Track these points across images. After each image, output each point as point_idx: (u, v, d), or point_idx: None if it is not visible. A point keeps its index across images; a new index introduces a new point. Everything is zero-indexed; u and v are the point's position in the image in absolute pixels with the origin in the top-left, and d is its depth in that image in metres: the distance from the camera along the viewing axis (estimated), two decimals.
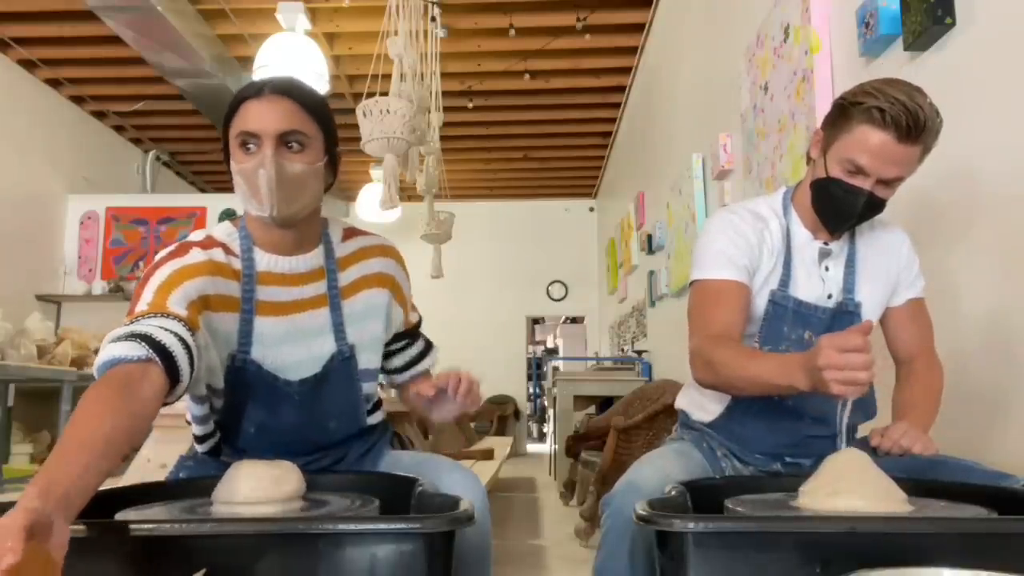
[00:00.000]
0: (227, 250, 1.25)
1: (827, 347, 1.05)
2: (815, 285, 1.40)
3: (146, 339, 1.02)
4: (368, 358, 1.34)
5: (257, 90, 1.19)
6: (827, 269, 1.41)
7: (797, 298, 1.39)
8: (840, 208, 1.33)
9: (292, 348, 1.26)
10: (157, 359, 1.01)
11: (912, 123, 1.21)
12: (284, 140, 1.18)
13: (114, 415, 0.90)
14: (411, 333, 1.48)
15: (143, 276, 1.18)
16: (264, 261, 1.27)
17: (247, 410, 1.25)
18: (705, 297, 1.40)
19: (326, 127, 1.25)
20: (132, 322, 1.07)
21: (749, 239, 1.39)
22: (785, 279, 1.40)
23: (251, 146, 1.18)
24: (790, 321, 1.39)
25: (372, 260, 1.36)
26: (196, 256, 1.19)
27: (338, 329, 1.30)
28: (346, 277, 1.33)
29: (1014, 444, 1.49)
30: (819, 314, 1.39)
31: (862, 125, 1.25)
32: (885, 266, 1.44)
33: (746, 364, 1.25)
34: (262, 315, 1.25)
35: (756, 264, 1.39)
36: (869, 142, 1.25)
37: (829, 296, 1.41)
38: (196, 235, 1.27)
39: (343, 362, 1.30)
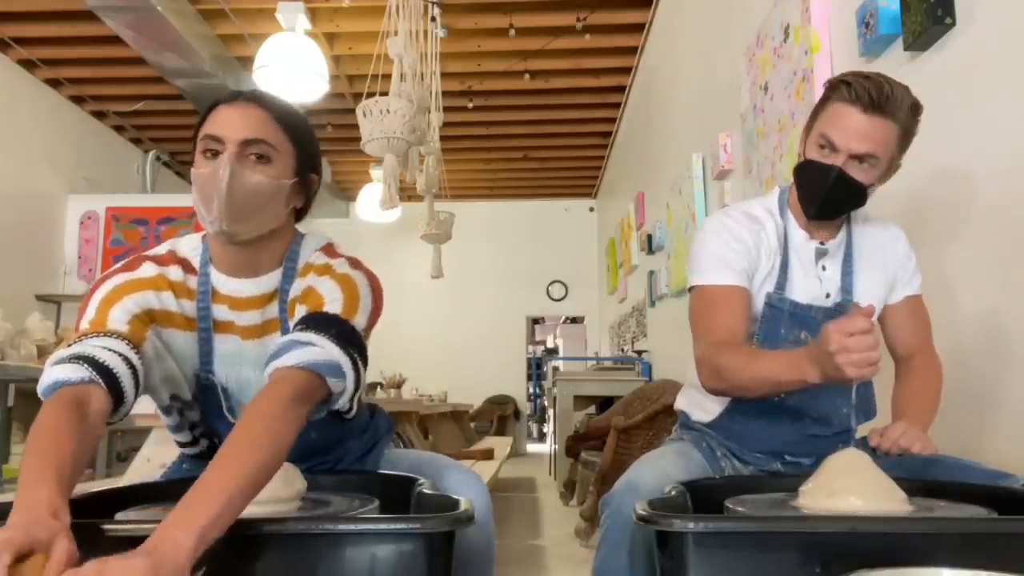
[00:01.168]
0: (186, 267, 1.20)
1: (835, 332, 1.04)
2: (812, 285, 1.40)
3: (88, 360, 1.01)
4: None
5: (230, 97, 1.14)
6: (824, 268, 1.41)
7: (793, 300, 1.39)
8: (813, 187, 1.33)
9: (250, 371, 1.19)
10: (100, 380, 1.00)
11: (876, 94, 1.24)
12: (248, 150, 1.10)
13: (71, 435, 0.91)
14: (306, 320, 1.08)
15: (90, 288, 1.16)
16: (218, 280, 1.20)
17: (225, 422, 1.20)
18: (706, 303, 1.39)
19: (301, 146, 1.17)
20: (75, 342, 1.05)
21: (746, 242, 1.38)
22: (781, 281, 1.39)
23: (213, 152, 1.10)
24: (787, 323, 1.38)
25: (325, 279, 1.14)
26: (146, 271, 1.16)
27: None
28: (296, 288, 1.17)
29: (1011, 443, 1.49)
30: (816, 315, 1.38)
31: (834, 103, 1.29)
32: (882, 263, 1.43)
33: (753, 365, 1.24)
34: (220, 333, 1.19)
35: (754, 266, 1.39)
36: (837, 117, 1.28)
37: (827, 295, 1.40)
38: (158, 248, 1.23)
39: None
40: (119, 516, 0.98)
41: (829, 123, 1.29)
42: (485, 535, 1.19)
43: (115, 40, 5.24)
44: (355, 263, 1.20)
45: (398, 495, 1.11)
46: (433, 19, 4.59)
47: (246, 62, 5.44)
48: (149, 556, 0.71)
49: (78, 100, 6.73)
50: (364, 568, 0.85)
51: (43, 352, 4.65)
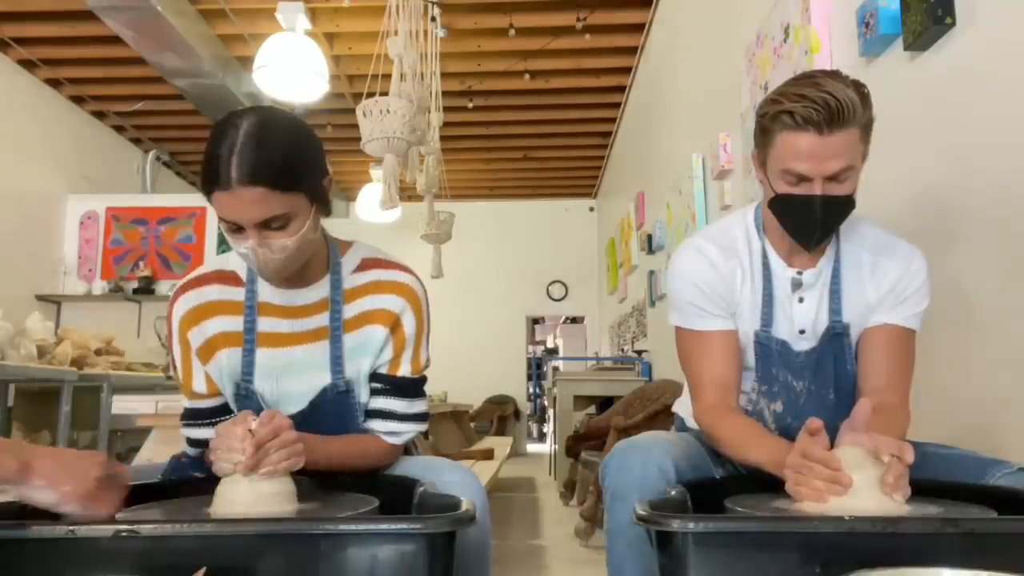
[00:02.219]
0: (236, 280, 1.30)
1: (797, 448, 1.04)
2: (786, 320, 1.33)
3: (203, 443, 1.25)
4: (366, 393, 1.32)
5: (225, 179, 1.08)
6: (801, 300, 1.34)
7: (779, 339, 1.34)
8: (803, 221, 1.24)
9: (289, 381, 1.28)
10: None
11: (827, 114, 1.14)
12: (267, 224, 1.13)
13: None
14: (387, 381, 1.31)
15: (167, 317, 1.32)
16: (266, 292, 1.29)
17: None
18: (691, 348, 1.37)
19: (307, 182, 1.16)
20: (185, 422, 1.33)
21: (720, 291, 1.33)
22: (767, 317, 1.34)
23: (236, 227, 1.14)
24: (777, 362, 1.34)
25: (383, 296, 1.30)
26: (207, 295, 1.29)
27: (335, 363, 1.28)
28: (351, 310, 1.29)
29: (1014, 444, 1.49)
30: (793, 356, 1.33)
31: (781, 133, 1.19)
32: (873, 287, 1.33)
33: (745, 450, 1.22)
34: (263, 347, 1.28)
35: (734, 306, 1.34)
36: (795, 148, 1.18)
37: (801, 332, 1.33)
38: (214, 262, 1.34)
39: (338, 396, 1.28)
40: (119, 516, 0.98)
41: (788, 157, 1.19)
42: (481, 534, 1.19)
43: (115, 40, 5.24)
44: (406, 269, 1.37)
45: (400, 496, 1.11)
46: (433, 19, 4.59)
47: (246, 62, 5.44)
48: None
49: (78, 100, 6.73)
50: (365, 569, 0.85)
51: (43, 352, 4.65)
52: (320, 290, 1.29)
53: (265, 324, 1.28)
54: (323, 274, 1.30)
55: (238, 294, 1.29)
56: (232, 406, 1.31)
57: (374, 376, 1.31)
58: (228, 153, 1.08)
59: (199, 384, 1.30)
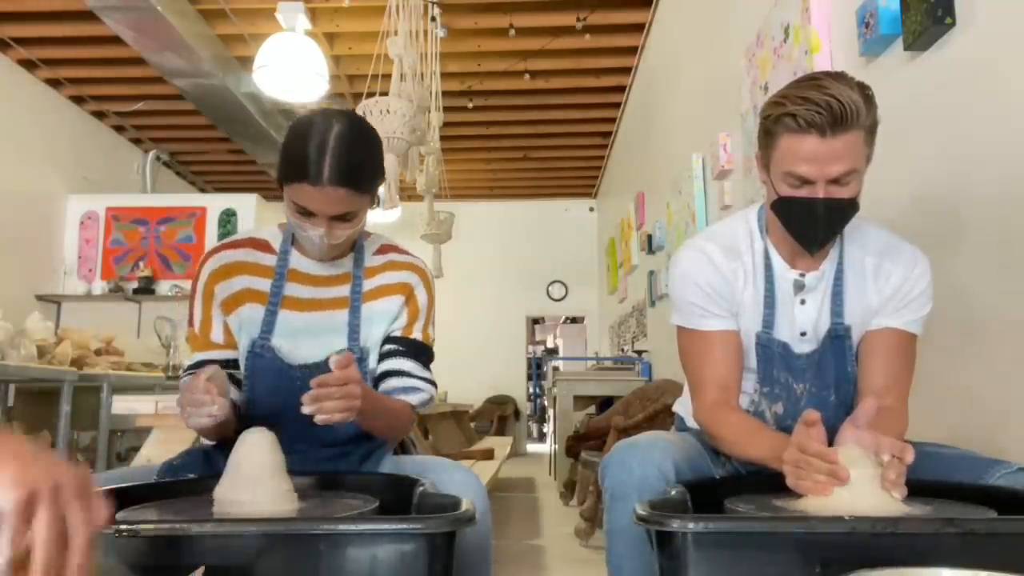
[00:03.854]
0: (268, 248, 1.41)
1: (793, 442, 1.05)
2: (788, 322, 1.33)
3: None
4: (375, 360, 1.41)
5: (316, 176, 1.20)
6: (803, 303, 1.33)
7: (781, 340, 1.34)
8: (806, 224, 1.23)
9: (307, 342, 1.36)
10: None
11: (830, 117, 1.14)
12: (339, 217, 1.26)
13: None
14: (402, 342, 1.41)
15: (195, 274, 1.40)
16: (297, 261, 1.40)
17: (258, 399, 1.34)
18: (692, 348, 1.37)
19: (375, 186, 1.31)
20: (189, 372, 1.35)
21: (721, 291, 1.33)
22: (769, 319, 1.33)
23: (306, 212, 1.25)
24: (778, 364, 1.34)
25: (399, 272, 1.43)
26: (239, 255, 1.39)
27: (352, 330, 1.37)
28: (370, 283, 1.41)
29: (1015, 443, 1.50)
30: (794, 358, 1.33)
31: (784, 136, 1.19)
32: (876, 291, 1.33)
33: (744, 446, 1.23)
34: (286, 309, 1.37)
35: (735, 306, 1.34)
36: (798, 151, 1.18)
37: (803, 334, 1.33)
38: (246, 231, 1.46)
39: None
40: (119, 516, 0.98)
41: (791, 160, 1.19)
42: (482, 535, 1.19)
43: (115, 40, 5.24)
44: (418, 257, 1.50)
45: (400, 496, 1.11)
46: (433, 19, 4.60)
47: (246, 62, 5.44)
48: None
49: (78, 100, 6.73)
50: (365, 569, 0.85)
51: (43, 352, 4.64)
52: (344, 266, 1.41)
53: (291, 289, 1.38)
54: (349, 251, 1.42)
55: (269, 259, 1.40)
56: (242, 362, 1.36)
57: (388, 340, 1.40)
58: (318, 152, 1.20)
59: (217, 334, 1.37)
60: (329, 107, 1.37)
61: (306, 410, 1.08)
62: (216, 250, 1.41)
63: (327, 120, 1.23)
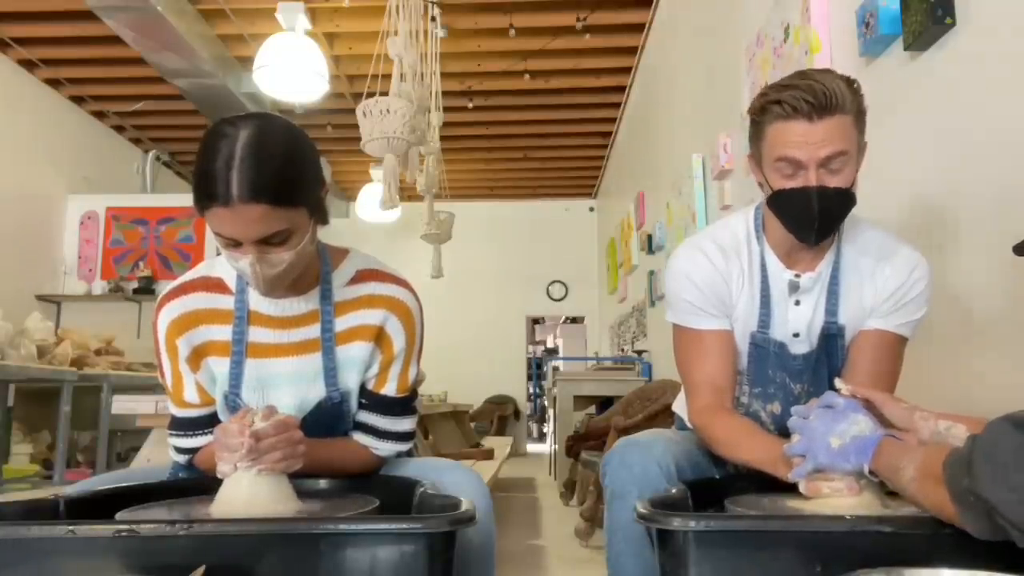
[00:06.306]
0: (222, 287, 1.26)
1: (810, 482, 1.04)
2: (783, 322, 1.34)
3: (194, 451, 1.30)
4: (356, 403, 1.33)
5: (224, 194, 1.02)
6: (797, 304, 1.33)
7: (777, 340, 1.34)
8: (801, 215, 1.22)
9: (281, 393, 1.25)
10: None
11: (814, 99, 1.15)
12: (265, 240, 1.08)
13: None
14: (371, 398, 1.30)
15: (153, 326, 1.27)
16: (256, 301, 1.24)
17: None
18: (686, 345, 1.38)
19: (307, 195, 1.11)
20: (173, 432, 1.30)
21: (715, 288, 1.33)
22: (764, 319, 1.33)
23: (233, 242, 1.08)
24: (772, 364, 1.34)
25: (375, 311, 1.27)
26: (193, 303, 1.25)
27: (329, 375, 1.26)
28: (343, 323, 1.26)
29: None
30: (790, 358, 1.34)
31: (772, 124, 1.20)
32: (872, 292, 1.32)
33: (736, 448, 1.23)
34: (253, 357, 1.24)
35: (731, 306, 1.34)
36: (787, 136, 1.18)
37: (796, 335, 1.33)
38: (199, 268, 1.29)
39: (334, 407, 1.27)
40: (119, 516, 0.98)
41: (781, 145, 1.19)
42: (485, 535, 1.18)
43: (115, 40, 5.24)
44: (404, 283, 1.32)
45: (401, 497, 1.11)
46: (433, 19, 4.60)
47: (246, 62, 5.44)
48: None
49: (78, 100, 6.73)
50: (365, 569, 0.85)
51: (43, 352, 4.65)
52: (311, 300, 1.25)
53: (254, 334, 1.24)
54: (315, 283, 1.25)
55: (226, 302, 1.25)
56: (221, 416, 1.27)
57: (361, 390, 1.30)
58: (225, 167, 1.02)
59: (190, 394, 1.26)
60: (249, 111, 1.23)
61: (240, 465, 1.00)
62: (167, 298, 1.25)
63: (230, 128, 1.05)
